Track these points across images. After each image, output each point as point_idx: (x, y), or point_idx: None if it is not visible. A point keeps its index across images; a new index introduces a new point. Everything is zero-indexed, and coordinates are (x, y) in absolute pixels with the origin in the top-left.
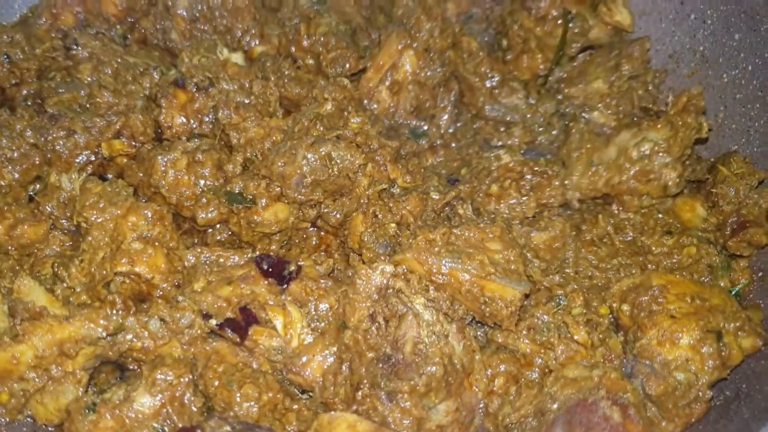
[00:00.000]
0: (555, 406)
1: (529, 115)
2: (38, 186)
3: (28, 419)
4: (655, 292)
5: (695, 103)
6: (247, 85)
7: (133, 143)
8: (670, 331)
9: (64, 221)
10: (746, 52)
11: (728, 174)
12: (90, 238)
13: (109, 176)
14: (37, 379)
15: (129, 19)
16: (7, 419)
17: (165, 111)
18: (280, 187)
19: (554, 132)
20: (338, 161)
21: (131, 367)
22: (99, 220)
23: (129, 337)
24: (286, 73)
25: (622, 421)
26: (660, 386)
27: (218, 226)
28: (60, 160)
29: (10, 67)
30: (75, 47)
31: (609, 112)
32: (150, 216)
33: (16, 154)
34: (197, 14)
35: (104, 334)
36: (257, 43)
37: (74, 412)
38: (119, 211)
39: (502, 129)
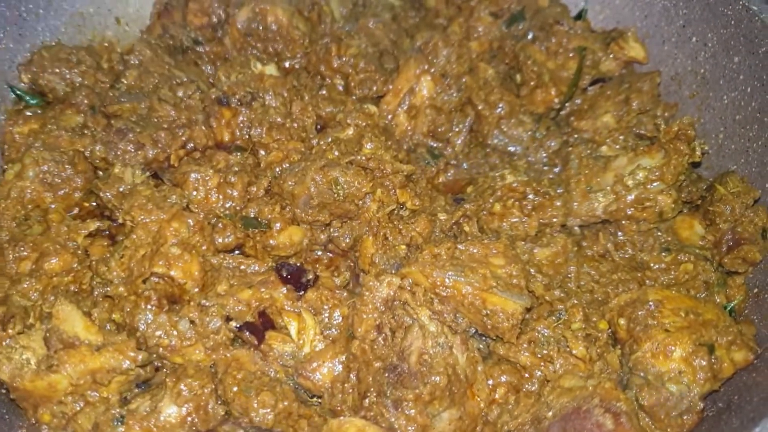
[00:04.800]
0: (550, 413)
1: (531, 150)
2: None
3: None
4: (651, 307)
5: (686, 133)
6: (285, 95)
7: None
8: (664, 344)
9: (117, 213)
10: (745, 74)
11: (725, 193)
12: (134, 236)
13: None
14: (75, 403)
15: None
16: None
17: (216, 130)
18: (290, 206)
19: (556, 170)
20: (345, 186)
21: (152, 376)
22: (145, 221)
23: (158, 333)
24: (322, 93)
25: (614, 428)
26: (653, 397)
27: (236, 252)
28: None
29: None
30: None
31: (617, 146)
32: (192, 224)
33: (58, 180)
34: (252, 32)
35: (132, 367)
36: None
37: (102, 424)
38: (164, 216)
39: (506, 159)
